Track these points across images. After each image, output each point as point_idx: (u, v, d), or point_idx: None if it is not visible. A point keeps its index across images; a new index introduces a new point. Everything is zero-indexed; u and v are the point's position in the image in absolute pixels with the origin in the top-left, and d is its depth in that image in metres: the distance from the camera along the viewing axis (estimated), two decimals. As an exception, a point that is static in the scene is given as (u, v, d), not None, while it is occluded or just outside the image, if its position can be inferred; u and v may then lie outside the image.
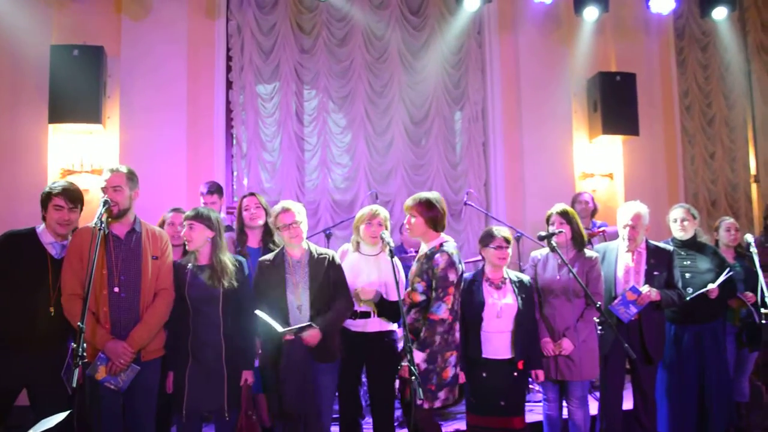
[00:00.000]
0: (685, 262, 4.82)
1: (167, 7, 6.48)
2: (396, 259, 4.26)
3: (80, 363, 2.91)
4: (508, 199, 7.30)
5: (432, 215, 3.99)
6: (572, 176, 7.33)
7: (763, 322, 4.73)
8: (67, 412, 2.60)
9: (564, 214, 4.40)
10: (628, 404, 4.72)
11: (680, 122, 8.04)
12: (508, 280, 4.20)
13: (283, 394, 3.76)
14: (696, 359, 4.73)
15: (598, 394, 4.97)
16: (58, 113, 5.93)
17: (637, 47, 7.71)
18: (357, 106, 7.18)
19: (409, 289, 4.08)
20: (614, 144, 7.54)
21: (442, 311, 3.83)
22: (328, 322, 3.84)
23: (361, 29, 7.21)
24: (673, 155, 7.86)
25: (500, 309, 4.09)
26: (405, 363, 3.33)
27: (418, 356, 3.79)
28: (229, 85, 6.88)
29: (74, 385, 2.84)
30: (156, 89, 6.37)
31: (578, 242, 4.38)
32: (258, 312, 3.73)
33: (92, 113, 5.97)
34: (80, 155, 6.14)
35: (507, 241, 4.15)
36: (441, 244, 3.97)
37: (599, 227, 5.81)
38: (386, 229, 4.18)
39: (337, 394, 4.20)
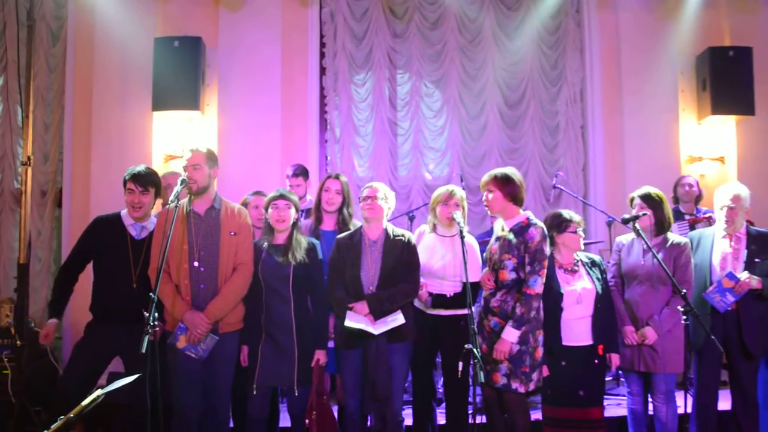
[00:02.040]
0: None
1: (262, -3, 6.68)
2: (473, 240, 4.21)
3: (150, 330, 3.08)
4: (608, 184, 6.98)
5: (510, 189, 3.92)
6: (678, 160, 6.89)
7: None
8: (136, 376, 2.78)
9: (647, 198, 4.16)
10: (727, 404, 4.41)
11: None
12: (580, 263, 4.04)
13: (374, 377, 3.81)
14: (806, 359, 4.32)
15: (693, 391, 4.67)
16: (161, 101, 6.25)
17: (755, 19, 7.10)
18: (450, 90, 7.09)
19: (486, 270, 4.01)
20: (726, 125, 7.01)
21: (539, 285, 3.78)
22: (382, 296, 3.84)
23: (453, 12, 7.10)
24: (795, 136, 7.20)
25: (580, 294, 3.95)
26: (468, 346, 3.26)
27: (513, 335, 3.74)
28: (322, 71, 6.98)
29: (143, 351, 3.00)
30: (251, 76, 6.58)
31: (662, 227, 4.13)
32: (347, 323, 3.78)
33: (192, 101, 6.25)
34: (181, 141, 6.44)
35: (579, 224, 4.01)
36: (528, 219, 3.90)
37: (704, 213, 5.43)
38: (463, 209, 4.11)
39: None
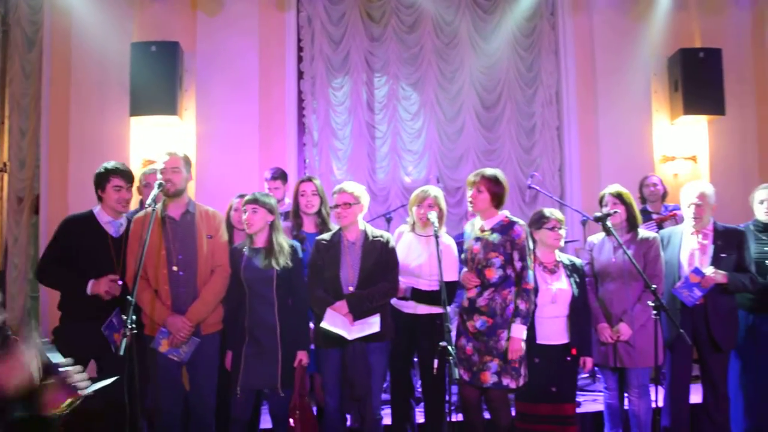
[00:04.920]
0: (766, 248, 4.48)
1: (240, 2, 6.70)
2: (450, 240, 4.26)
3: (128, 333, 3.08)
4: (584, 184, 7.08)
5: (498, 191, 4.01)
6: (651, 159, 7.02)
7: None
8: (114, 378, 2.78)
9: (618, 195, 4.25)
10: (699, 398, 4.48)
11: (775, 100, 7.50)
12: (561, 264, 4.10)
13: (353, 377, 3.85)
14: (775, 351, 4.41)
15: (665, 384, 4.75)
16: (139, 107, 6.25)
17: (725, 21, 7.26)
18: (427, 93, 7.17)
19: (465, 270, 4.05)
20: (699, 125, 7.14)
21: (532, 279, 3.89)
22: (362, 295, 3.88)
23: (430, 15, 7.18)
24: (765, 136, 7.31)
25: (555, 294, 4.01)
26: (443, 343, 3.31)
27: (522, 332, 3.81)
28: (300, 75, 7.03)
29: (122, 353, 3.01)
30: (229, 81, 6.61)
31: (634, 223, 4.22)
32: (323, 324, 3.82)
33: (170, 106, 6.26)
34: (160, 146, 6.43)
35: (560, 221, 4.05)
36: (507, 217, 4.01)
37: (671, 210, 5.53)
38: (441, 210, 4.16)
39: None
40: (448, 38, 7.24)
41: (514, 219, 4.00)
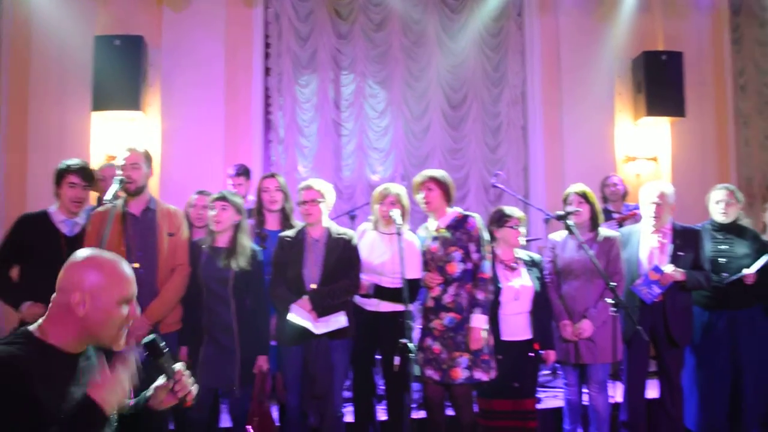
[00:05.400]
0: (721, 246, 4.59)
1: (207, -3, 6.65)
2: (413, 237, 4.27)
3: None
4: (548, 183, 7.16)
5: (447, 188, 4.08)
6: (614, 160, 7.13)
7: None
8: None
9: (582, 194, 4.30)
10: (656, 393, 4.56)
11: (734, 103, 7.63)
12: (520, 261, 4.15)
13: (314, 374, 3.84)
14: (728, 347, 4.50)
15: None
16: (101, 101, 6.17)
17: (687, 25, 7.40)
18: (394, 91, 7.18)
19: (426, 271, 4.07)
20: (661, 126, 7.28)
21: (489, 269, 3.94)
22: (324, 292, 3.88)
23: (398, 13, 7.19)
24: (724, 137, 7.49)
25: (518, 291, 4.05)
26: (404, 340, 3.33)
27: (482, 321, 3.84)
28: (266, 71, 6.99)
29: None
30: (195, 77, 6.54)
31: (597, 222, 4.29)
32: (290, 316, 3.81)
33: (133, 101, 6.19)
34: (123, 141, 6.32)
35: (520, 219, 4.10)
36: (460, 212, 4.08)
37: (631, 210, 5.62)
38: (404, 206, 4.17)
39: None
40: (416, 37, 7.26)
41: (467, 213, 4.08)
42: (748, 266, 4.44)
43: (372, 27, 7.21)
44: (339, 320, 3.89)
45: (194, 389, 2.03)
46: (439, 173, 4.13)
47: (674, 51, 7.07)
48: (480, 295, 3.87)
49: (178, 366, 2.00)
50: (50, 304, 1.88)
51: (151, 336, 2.00)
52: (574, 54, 7.23)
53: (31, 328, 1.88)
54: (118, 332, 1.93)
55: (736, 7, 7.80)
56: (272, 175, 4.49)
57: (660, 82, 6.96)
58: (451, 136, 7.26)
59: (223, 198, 3.91)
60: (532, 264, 4.16)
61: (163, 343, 2.00)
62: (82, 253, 1.95)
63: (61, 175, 3.95)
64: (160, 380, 2.00)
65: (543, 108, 7.28)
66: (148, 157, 3.91)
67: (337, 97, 7.17)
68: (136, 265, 3.73)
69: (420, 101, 7.24)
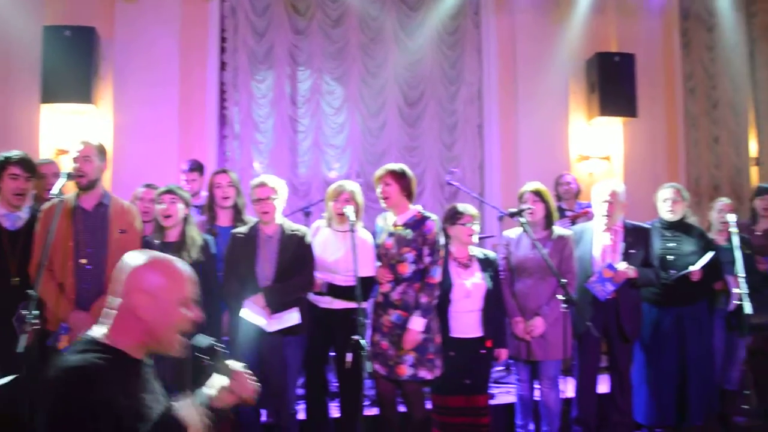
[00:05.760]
0: (669, 244, 4.70)
1: (161, -11, 6.52)
2: (367, 235, 4.27)
3: (30, 329, 2.96)
4: (503, 181, 7.23)
5: (406, 183, 4.06)
6: (568, 158, 7.24)
7: (740, 303, 4.56)
8: (13, 377, 2.66)
9: (537, 193, 4.35)
10: (606, 388, 4.66)
11: (683, 105, 7.82)
12: (474, 258, 4.17)
13: (268, 371, 3.82)
14: (676, 343, 4.60)
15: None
16: (51, 93, 6.01)
17: (639, 27, 7.53)
18: (351, 87, 7.16)
19: (380, 265, 4.07)
20: (614, 126, 7.41)
21: (438, 274, 3.94)
22: (278, 288, 3.86)
23: (355, 10, 7.17)
24: (674, 138, 7.67)
25: (469, 289, 4.07)
26: (356, 337, 3.33)
27: (420, 324, 3.83)
28: (222, 66, 6.90)
29: (21, 350, 2.89)
30: (149, 70, 6.41)
31: (551, 221, 4.35)
32: (243, 312, 3.77)
33: (84, 93, 6.04)
34: (74, 135, 6.18)
35: (473, 217, 4.12)
36: (420, 212, 4.04)
37: (584, 208, 5.73)
38: (358, 203, 4.16)
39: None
40: (373, 33, 7.26)
41: (427, 214, 4.06)
42: (694, 263, 4.55)
43: (329, 23, 7.18)
44: (292, 317, 3.88)
45: (256, 387, 2.00)
46: (398, 167, 4.10)
47: (627, 53, 7.20)
48: (423, 299, 3.89)
49: (237, 366, 1.97)
50: (110, 311, 1.87)
51: (209, 340, 1.98)
52: (529, 53, 7.30)
53: (96, 335, 1.86)
54: (176, 336, 1.92)
55: (685, 12, 7.98)
56: (224, 171, 4.49)
57: (613, 83, 7.08)
58: (407, 134, 7.28)
59: (171, 191, 3.89)
60: (487, 263, 4.18)
61: (222, 345, 1.98)
62: (140, 256, 1.92)
63: (2, 166, 3.82)
64: (221, 380, 1.94)
65: (499, 106, 7.34)
66: (101, 151, 3.82)
67: (294, 93, 7.12)
68: (84, 261, 3.66)
69: (377, 98, 7.23)
